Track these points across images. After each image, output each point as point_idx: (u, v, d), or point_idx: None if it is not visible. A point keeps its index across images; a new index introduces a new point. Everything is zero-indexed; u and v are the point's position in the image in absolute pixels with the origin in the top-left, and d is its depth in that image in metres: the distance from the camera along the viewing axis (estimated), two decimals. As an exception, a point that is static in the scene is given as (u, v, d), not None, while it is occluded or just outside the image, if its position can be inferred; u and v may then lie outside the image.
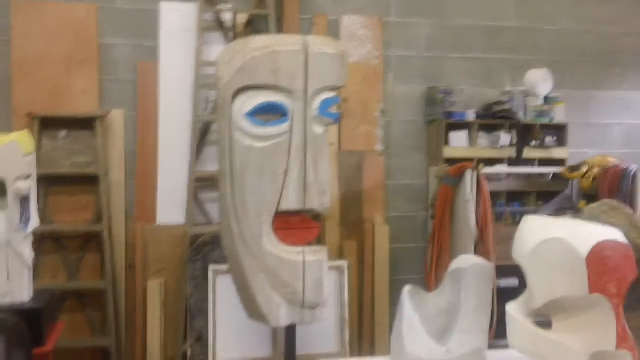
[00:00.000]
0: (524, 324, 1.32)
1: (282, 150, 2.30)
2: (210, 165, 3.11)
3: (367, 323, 3.10)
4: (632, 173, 2.96)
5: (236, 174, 2.28)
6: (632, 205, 2.95)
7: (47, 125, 3.09)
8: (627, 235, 1.55)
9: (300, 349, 2.65)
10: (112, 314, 2.98)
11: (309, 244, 2.35)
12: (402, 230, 3.43)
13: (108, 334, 2.98)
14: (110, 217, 3.08)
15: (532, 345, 1.32)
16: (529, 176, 3.40)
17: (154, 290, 2.88)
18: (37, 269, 2.88)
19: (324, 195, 2.33)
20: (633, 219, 1.59)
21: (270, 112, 2.22)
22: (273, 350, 2.69)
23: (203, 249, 3.13)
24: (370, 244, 3.12)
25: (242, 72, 2.17)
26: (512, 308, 1.36)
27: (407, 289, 1.63)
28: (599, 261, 1.26)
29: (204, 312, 2.78)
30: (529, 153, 3.41)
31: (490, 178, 3.17)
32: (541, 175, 3.45)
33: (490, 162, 3.30)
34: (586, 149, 3.72)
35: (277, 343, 2.71)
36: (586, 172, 3.08)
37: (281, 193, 2.27)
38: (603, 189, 2.97)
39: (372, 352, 3.08)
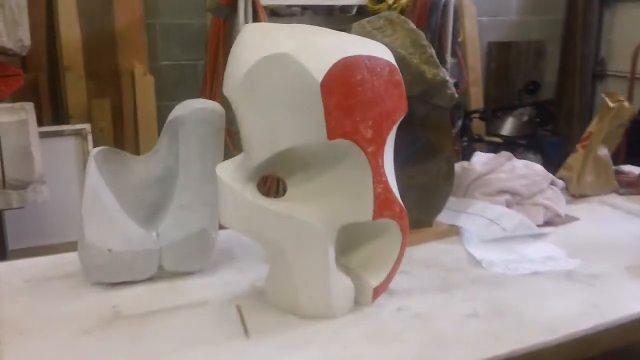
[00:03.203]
0: (236, 191, 0.90)
1: None
2: None
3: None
4: (442, 2, 2.65)
5: None
6: (441, 40, 2.69)
7: None
8: (406, 58, 1.18)
9: (32, 239, 2.13)
10: None
11: (5, 100, 1.74)
12: (175, 84, 2.85)
13: None
14: None
15: (249, 221, 0.92)
16: (329, 10, 2.97)
17: None
18: None
19: (18, 28, 1.68)
20: (417, 36, 1.20)
21: None
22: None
23: None
24: (130, 102, 2.54)
25: None
26: (223, 169, 0.93)
27: (95, 151, 1.13)
28: (342, 88, 0.85)
29: None
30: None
31: (281, 13, 2.69)
32: (344, 10, 3.04)
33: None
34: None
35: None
36: (393, 4, 2.72)
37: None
38: (411, 24, 2.65)
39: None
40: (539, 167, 1.53)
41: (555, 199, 1.48)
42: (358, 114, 0.88)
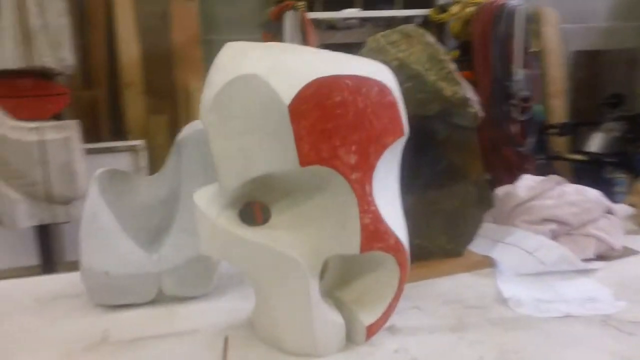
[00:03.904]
0: (211, 219, 0.87)
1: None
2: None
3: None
4: (510, 10, 2.49)
5: None
6: (507, 53, 2.52)
7: None
8: (422, 74, 1.10)
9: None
10: None
11: (57, 117, 1.82)
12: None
13: None
14: None
15: (224, 250, 0.89)
16: (390, 22, 2.90)
17: None
18: None
19: (59, 48, 1.76)
20: (434, 51, 1.13)
21: None
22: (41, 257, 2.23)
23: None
24: (185, 118, 2.60)
25: None
26: (200, 196, 0.90)
27: (99, 172, 1.14)
28: (317, 111, 0.80)
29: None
30: (388, -10, 2.88)
31: (338, 26, 2.66)
32: (407, 21, 2.96)
33: (338, 4, 2.75)
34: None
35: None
36: (457, 13, 2.61)
37: (-7, 45, 1.70)
38: (475, 33, 2.51)
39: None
40: (592, 193, 1.39)
41: (610, 229, 1.33)
42: (337, 139, 0.82)
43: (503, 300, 1.10)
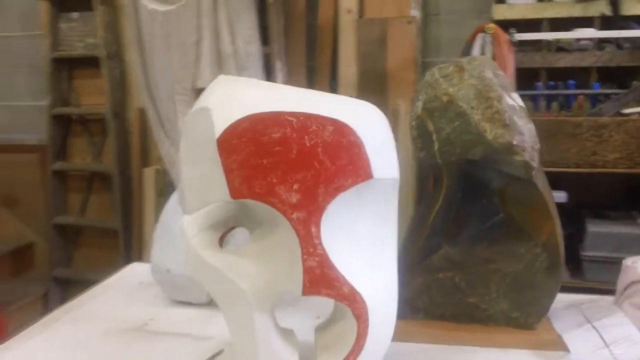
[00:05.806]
0: (187, 237, 0.94)
1: (190, 14, 1.98)
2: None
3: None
4: None
5: (144, 44, 2.06)
6: None
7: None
8: (467, 113, 1.02)
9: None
10: (118, 196, 3.12)
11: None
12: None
13: (115, 216, 3.16)
14: (123, 99, 3.15)
15: (196, 270, 0.95)
16: (636, 45, 2.42)
17: (149, 177, 2.92)
18: (66, 150, 3.19)
19: (245, 70, 1.97)
20: (484, 87, 0.99)
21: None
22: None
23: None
24: (394, 138, 2.61)
25: None
26: (187, 217, 0.98)
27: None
28: (251, 146, 0.82)
29: (182, 204, 2.70)
30: (634, 8, 2.39)
31: (569, 48, 2.34)
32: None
33: (572, 23, 2.41)
34: None
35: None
36: None
37: (196, 68, 2.01)
38: None
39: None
40: None
41: None
42: (275, 175, 0.82)
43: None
